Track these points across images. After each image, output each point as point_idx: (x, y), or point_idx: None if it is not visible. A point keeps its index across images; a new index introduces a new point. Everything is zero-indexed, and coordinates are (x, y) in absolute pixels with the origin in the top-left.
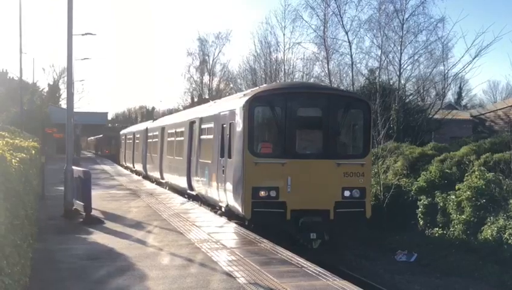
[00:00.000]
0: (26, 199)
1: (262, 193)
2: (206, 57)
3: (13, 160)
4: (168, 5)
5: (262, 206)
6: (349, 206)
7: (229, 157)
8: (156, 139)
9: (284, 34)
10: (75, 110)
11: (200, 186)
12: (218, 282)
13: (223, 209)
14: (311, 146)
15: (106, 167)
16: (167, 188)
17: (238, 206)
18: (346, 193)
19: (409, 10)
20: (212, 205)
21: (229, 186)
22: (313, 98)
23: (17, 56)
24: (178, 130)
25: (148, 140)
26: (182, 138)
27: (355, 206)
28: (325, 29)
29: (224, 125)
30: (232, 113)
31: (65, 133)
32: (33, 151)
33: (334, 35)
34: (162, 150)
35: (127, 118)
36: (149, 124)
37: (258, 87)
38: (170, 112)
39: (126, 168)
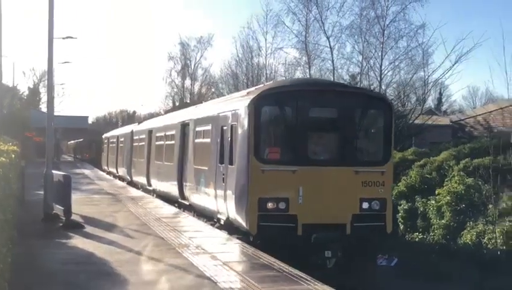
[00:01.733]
0: (5, 203)
1: (270, 205)
2: (188, 62)
3: None
4: (150, 8)
5: (270, 220)
6: (368, 219)
7: (230, 163)
8: (143, 143)
9: (265, 39)
10: (55, 113)
11: (194, 196)
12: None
13: (221, 222)
14: (326, 151)
15: (87, 171)
16: (154, 195)
17: (241, 220)
18: (365, 205)
19: (390, 16)
20: (208, 217)
21: (231, 196)
22: (327, 96)
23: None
24: (168, 133)
25: (134, 144)
26: (173, 142)
27: (375, 219)
28: (307, 35)
29: (225, 128)
30: (235, 114)
31: (45, 136)
32: (13, 155)
33: (316, 40)
34: (149, 154)
35: (108, 122)
36: (134, 126)
37: (263, 85)
38: (151, 115)
39: (109, 173)
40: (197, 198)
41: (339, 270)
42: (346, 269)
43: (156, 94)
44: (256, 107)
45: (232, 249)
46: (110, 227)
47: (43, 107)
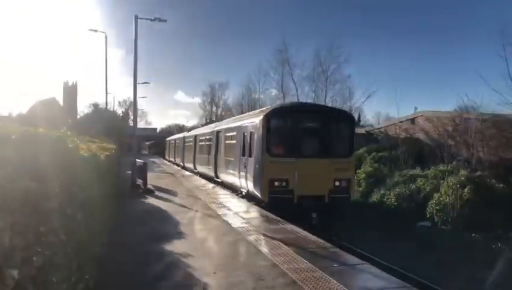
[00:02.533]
0: (113, 177)
1: (276, 183)
2: (214, 96)
3: (101, 156)
4: (189, 59)
5: (276, 193)
6: (339, 192)
7: (250, 156)
8: (191, 144)
9: (259, 84)
10: (138, 126)
11: (224, 176)
12: (220, 222)
13: (243, 194)
14: (312, 149)
15: (156, 160)
16: (198, 175)
17: (257, 193)
18: (337, 183)
19: (331, 70)
20: (233, 189)
21: (250, 177)
22: (313, 114)
23: (104, 94)
24: (207, 137)
25: (185, 144)
26: (210, 143)
27: (343, 192)
28: (282, 81)
29: (246, 134)
30: (253, 125)
31: (132, 140)
32: (113, 151)
33: (287, 85)
34: (195, 150)
35: (168, 131)
36: (185, 134)
37: (271, 106)
38: (193, 128)
39: (169, 161)
40: (226, 177)
41: (319, 225)
42: (324, 224)
43: (195, 114)
44: (268, 119)
45: (243, 205)
46: (170, 192)
47: (131, 122)
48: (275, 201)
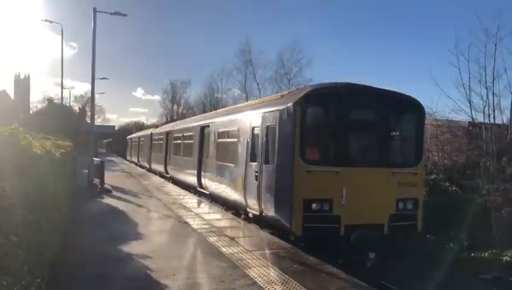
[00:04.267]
0: (68, 176)
1: (314, 206)
2: (175, 94)
3: (56, 153)
4: (150, 55)
5: (315, 220)
6: (403, 219)
7: (266, 162)
8: (161, 142)
9: (221, 83)
10: (95, 124)
11: (215, 186)
12: (180, 223)
13: (250, 215)
14: (365, 152)
15: (115, 159)
16: (171, 181)
17: (284, 219)
18: (400, 205)
19: (293, 73)
20: (229, 205)
21: (267, 194)
22: (367, 99)
23: (59, 90)
24: (186, 134)
25: (153, 142)
26: (191, 141)
27: (408, 219)
28: (245, 82)
29: (258, 129)
30: (274, 116)
31: (89, 138)
32: (69, 149)
33: (250, 85)
34: (167, 150)
35: (126, 129)
36: (153, 130)
37: (297, 88)
38: (154, 126)
39: (131, 162)
40: (217, 188)
41: (376, 269)
42: (383, 268)
43: (155, 113)
44: (303, 107)
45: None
46: (128, 192)
47: (88, 119)
48: (313, 232)
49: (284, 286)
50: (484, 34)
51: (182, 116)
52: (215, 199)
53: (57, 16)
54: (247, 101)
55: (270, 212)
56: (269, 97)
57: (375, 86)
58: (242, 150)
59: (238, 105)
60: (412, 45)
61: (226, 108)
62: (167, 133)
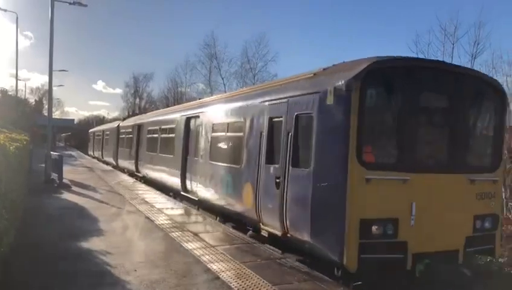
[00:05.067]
0: (21, 171)
1: (374, 229)
2: (138, 88)
3: (11, 147)
4: (112, 48)
5: (374, 249)
6: (480, 242)
7: (295, 165)
8: (131, 136)
9: (185, 77)
10: (53, 116)
11: (208, 193)
12: (142, 219)
13: (263, 233)
14: (439, 152)
15: (73, 153)
16: (142, 181)
17: (326, 247)
18: (478, 224)
19: (258, 68)
20: (228, 217)
21: (297, 209)
22: (445, 78)
23: (14, 81)
24: (164, 127)
25: (120, 136)
26: (172, 135)
27: (486, 241)
28: (210, 76)
29: (277, 120)
30: (309, 100)
31: (46, 131)
32: (24, 142)
33: (215, 79)
34: (138, 145)
35: (87, 123)
36: (120, 123)
37: (356, 60)
38: (116, 119)
39: (94, 157)
40: (213, 196)
41: None
42: None
43: (117, 106)
44: (362, 87)
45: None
46: (87, 187)
47: (45, 112)
48: (371, 266)
49: (247, 280)
50: (443, 33)
51: (145, 110)
52: (205, 207)
53: (13, 4)
54: (211, 96)
55: (302, 235)
56: (294, 76)
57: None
58: (252, 148)
59: (244, 89)
60: (375, 40)
61: (225, 94)
62: (139, 126)
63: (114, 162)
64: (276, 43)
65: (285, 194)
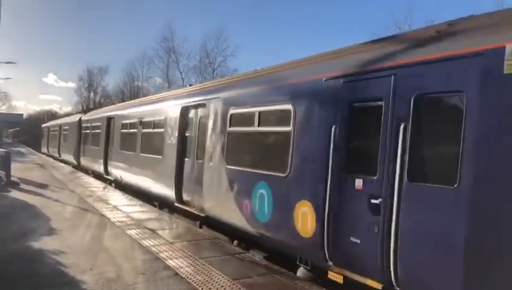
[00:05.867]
0: None
1: None
2: (92, 82)
3: None
4: (64, 39)
5: None
6: None
7: (416, 179)
8: (98, 131)
9: (142, 71)
10: None
11: (221, 209)
12: (97, 217)
13: (335, 279)
14: None
15: (22, 150)
16: (113, 184)
17: None
18: None
19: (218, 63)
20: (250, 240)
21: (426, 253)
22: None
23: None
24: (148, 119)
25: (84, 131)
26: (161, 130)
27: None
28: (168, 70)
29: (370, 106)
30: (446, 70)
31: None
32: None
33: (173, 74)
34: (108, 142)
35: (37, 118)
36: (82, 116)
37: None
38: (68, 114)
39: (49, 156)
40: (227, 211)
41: None
42: None
43: (70, 101)
44: None
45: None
46: (38, 185)
47: None
48: None
49: (206, 275)
50: (398, 31)
51: (99, 105)
52: (214, 225)
53: None
54: (169, 90)
55: None
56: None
57: None
58: (311, 149)
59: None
60: (330, 33)
61: (253, 71)
62: (109, 119)
63: (75, 162)
64: (235, 38)
65: (393, 224)
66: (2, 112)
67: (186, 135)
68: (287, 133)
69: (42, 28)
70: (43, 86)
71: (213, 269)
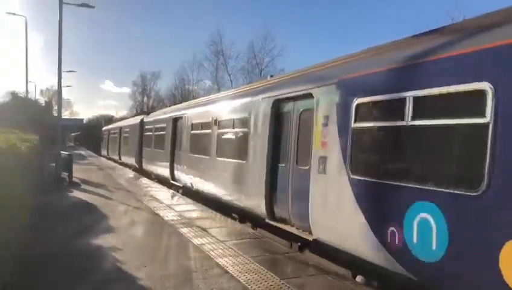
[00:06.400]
0: (30, 170)
1: None
2: (145, 86)
3: (22, 147)
4: (119, 47)
5: None
6: None
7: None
8: (162, 132)
9: (192, 75)
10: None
11: (349, 236)
12: (151, 215)
13: None
14: None
15: (83, 152)
16: (180, 191)
17: None
18: None
19: (265, 63)
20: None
21: None
22: None
23: (24, 83)
24: (225, 118)
25: (145, 133)
26: (244, 129)
27: None
28: (217, 73)
29: None
30: None
31: (56, 131)
32: (35, 142)
33: (222, 76)
34: (176, 145)
35: (96, 122)
36: (144, 117)
37: None
38: (124, 118)
39: (109, 159)
40: (351, 240)
41: None
42: None
43: (125, 105)
44: None
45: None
46: (97, 185)
47: (55, 112)
48: None
49: (255, 274)
50: (451, 22)
51: (152, 109)
52: (332, 254)
53: (22, 7)
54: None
55: None
56: None
57: None
58: None
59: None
60: (385, 29)
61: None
62: (175, 120)
63: (136, 165)
64: (282, 37)
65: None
66: (65, 117)
67: (280, 134)
68: (480, 128)
69: (98, 37)
70: (100, 92)
71: (262, 268)
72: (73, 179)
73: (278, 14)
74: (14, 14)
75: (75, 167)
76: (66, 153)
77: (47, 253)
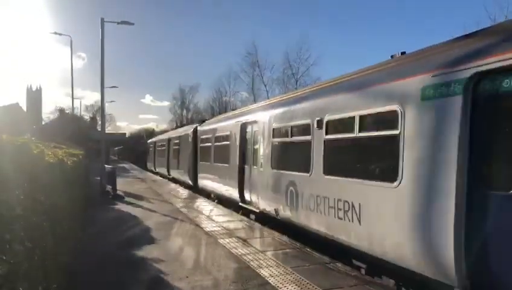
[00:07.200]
0: (78, 184)
1: None
2: (184, 100)
3: (68, 162)
4: (157, 62)
5: None
6: None
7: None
8: (225, 143)
9: (229, 87)
10: (105, 131)
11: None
12: (194, 229)
13: None
14: None
15: (126, 166)
16: (253, 216)
17: None
18: None
19: (300, 73)
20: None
21: None
22: None
23: (70, 100)
24: (334, 117)
25: (201, 145)
26: (374, 133)
27: None
28: (253, 84)
29: None
30: None
31: (100, 145)
32: (81, 157)
33: (258, 87)
34: (244, 158)
35: (138, 135)
36: (197, 125)
37: None
38: (164, 131)
39: (156, 173)
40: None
41: None
42: None
43: (164, 119)
44: None
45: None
46: (139, 197)
47: (99, 127)
48: None
49: (296, 284)
50: (492, 23)
51: (191, 122)
52: None
53: (66, 27)
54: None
55: None
56: None
57: None
58: None
59: None
60: (421, 37)
61: None
62: (244, 125)
63: (190, 182)
64: (317, 46)
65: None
66: (108, 132)
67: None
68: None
69: (138, 53)
70: (141, 107)
71: (303, 278)
72: (117, 192)
73: (313, 22)
74: (60, 34)
75: (119, 179)
76: (110, 166)
77: (92, 263)
